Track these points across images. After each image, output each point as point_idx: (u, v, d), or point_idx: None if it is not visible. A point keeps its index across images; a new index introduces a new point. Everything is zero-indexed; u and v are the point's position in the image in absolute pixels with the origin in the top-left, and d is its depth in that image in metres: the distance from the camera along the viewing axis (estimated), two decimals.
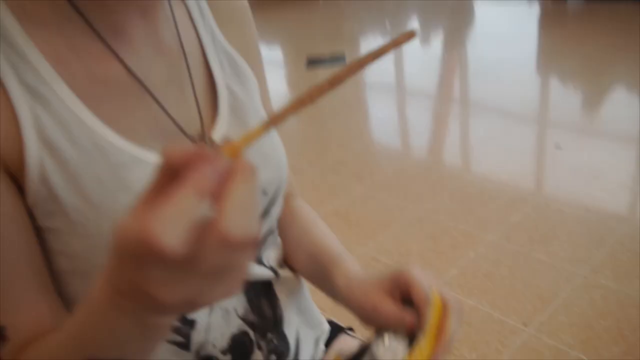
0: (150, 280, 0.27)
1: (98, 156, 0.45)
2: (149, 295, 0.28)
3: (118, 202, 0.46)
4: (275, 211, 0.63)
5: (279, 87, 3.99)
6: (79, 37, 0.46)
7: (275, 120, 0.31)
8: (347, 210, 2.24)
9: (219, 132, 0.54)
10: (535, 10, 5.28)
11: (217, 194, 0.27)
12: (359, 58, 0.33)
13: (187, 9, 0.57)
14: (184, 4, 0.57)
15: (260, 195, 0.58)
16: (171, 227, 0.25)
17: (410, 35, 0.35)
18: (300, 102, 0.32)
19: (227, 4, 0.61)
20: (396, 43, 0.34)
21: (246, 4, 0.64)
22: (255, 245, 0.28)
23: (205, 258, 0.27)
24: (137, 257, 0.26)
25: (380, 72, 4.15)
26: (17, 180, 0.44)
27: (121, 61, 0.48)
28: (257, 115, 0.59)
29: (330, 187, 2.46)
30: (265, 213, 0.61)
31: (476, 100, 3.36)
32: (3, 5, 0.44)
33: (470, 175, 2.49)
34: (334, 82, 0.33)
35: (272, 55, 5.08)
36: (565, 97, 3.25)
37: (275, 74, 4.40)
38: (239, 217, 0.27)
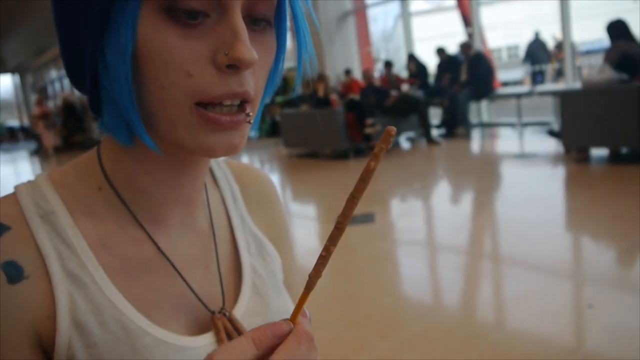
0: None
1: (124, 338, 0.48)
2: None
3: None
4: None
5: (311, 243, 4.12)
6: (121, 223, 0.51)
7: (311, 284, 0.39)
8: None
9: (240, 308, 0.57)
10: (559, 172, 5.46)
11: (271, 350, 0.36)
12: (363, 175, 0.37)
13: (222, 195, 0.63)
14: (219, 191, 0.63)
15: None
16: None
17: (388, 133, 0.36)
18: (327, 255, 0.38)
19: (256, 190, 0.66)
20: (383, 144, 0.36)
21: (274, 189, 0.69)
22: None
23: None
24: None
25: (410, 230, 4.25)
26: (50, 358, 0.48)
27: (154, 242, 0.52)
28: (278, 292, 0.63)
29: (356, 342, 2.41)
30: None
31: (507, 259, 3.36)
32: (56, 196, 0.49)
33: (501, 333, 2.40)
34: (344, 222, 0.38)
35: (306, 213, 5.31)
36: (596, 256, 3.21)
37: (308, 230, 4.57)
38: None
